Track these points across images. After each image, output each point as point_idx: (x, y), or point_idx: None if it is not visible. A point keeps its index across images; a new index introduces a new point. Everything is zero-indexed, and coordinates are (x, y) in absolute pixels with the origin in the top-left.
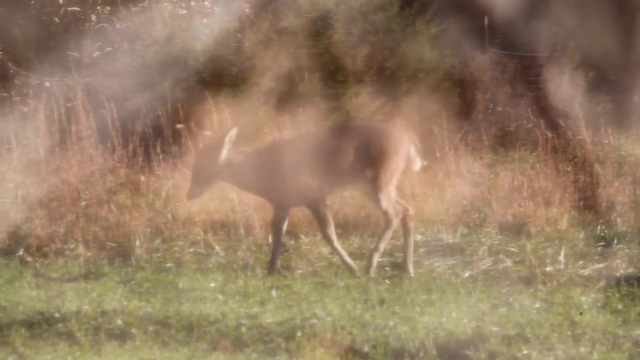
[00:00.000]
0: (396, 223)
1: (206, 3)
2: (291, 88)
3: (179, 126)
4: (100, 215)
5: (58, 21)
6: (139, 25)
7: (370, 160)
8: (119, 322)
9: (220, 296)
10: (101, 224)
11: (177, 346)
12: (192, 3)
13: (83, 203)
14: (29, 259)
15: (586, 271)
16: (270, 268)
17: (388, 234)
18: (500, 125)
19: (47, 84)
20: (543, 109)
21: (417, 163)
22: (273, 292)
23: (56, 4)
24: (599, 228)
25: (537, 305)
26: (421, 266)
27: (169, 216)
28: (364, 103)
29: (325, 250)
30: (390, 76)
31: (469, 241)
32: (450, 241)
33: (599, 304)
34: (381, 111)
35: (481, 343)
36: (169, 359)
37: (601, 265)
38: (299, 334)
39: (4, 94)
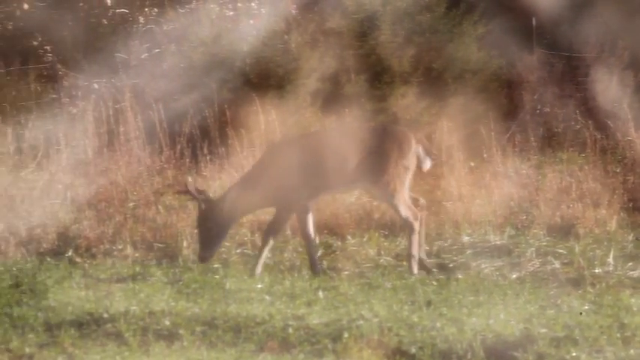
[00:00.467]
0: (417, 226)
1: (253, 4)
2: (337, 89)
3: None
4: (148, 216)
5: (106, 23)
6: (186, 26)
7: (377, 164)
8: (167, 322)
9: (267, 297)
10: (149, 225)
11: (225, 347)
12: (239, 4)
13: (131, 204)
14: (78, 259)
15: (635, 273)
16: (314, 268)
17: (415, 238)
18: (547, 126)
19: (95, 85)
20: (591, 109)
21: (427, 163)
22: (320, 293)
23: (104, 6)
24: None
25: (586, 307)
26: (468, 268)
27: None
28: (410, 104)
29: (372, 251)
30: (436, 77)
31: (517, 242)
32: (498, 242)
33: None
34: (427, 112)
35: (529, 345)
36: None
37: None
38: (346, 335)
39: (54, 96)
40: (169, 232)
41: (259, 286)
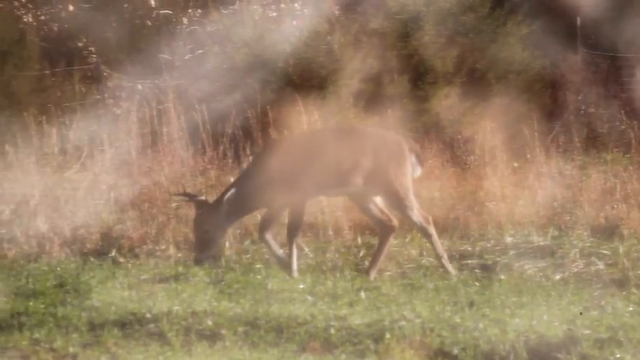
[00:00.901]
0: (432, 229)
1: (296, 5)
2: (380, 89)
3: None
4: (191, 216)
5: (150, 24)
6: (229, 27)
7: (382, 172)
8: (209, 322)
9: (309, 297)
10: (191, 225)
11: (267, 347)
12: (282, 5)
13: (174, 204)
14: (121, 260)
15: None
16: (285, 265)
17: (435, 239)
18: (591, 126)
19: (139, 86)
20: (636, 110)
21: (417, 172)
22: (362, 294)
23: (148, 7)
24: None
25: (630, 308)
26: (511, 268)
27: (258, 217)
28: (453, 104)
29: (414, 251)
30: (480, 78)
31: (560, 243)
32: (541, 243)
33: None
34: (470, 113)
35: (572, 347)
36: None
37: None
38: (388, 335)
39: (98, 97)
40: (258, 235)
41: (301, 286)
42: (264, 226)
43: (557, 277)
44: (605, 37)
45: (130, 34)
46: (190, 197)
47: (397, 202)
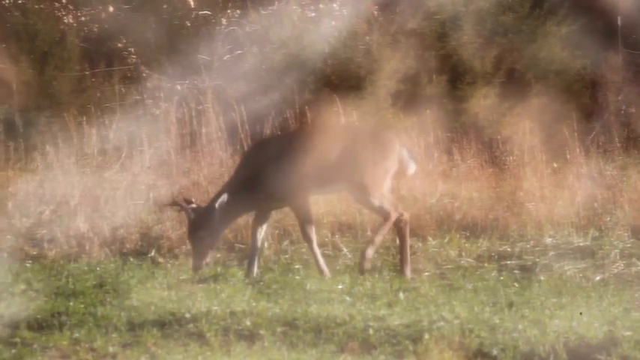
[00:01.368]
0: (394, 216)
1: (334, 5)
2: (419, 90)
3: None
4: None
5: (189, 25)
6: (268, 28)
7: (358, 164)
8: (248, 322)
9: (348, 298)
10: (232, 227)
11: (305, 348)
12: (321, 6)
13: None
14: (161, 260)
15: None
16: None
17: (385, 228)
18: (632, 127)
19: (178, 87)
20: None
21: (411, 168)
22: (401, 295)
23: (188, 8)
24: None
25: None
26: (551, 269)
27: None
28: (493, 104)
29: (453, 252)
30: (519, 78)
31: (600, 244)
32: (581, 244)
33: None
34: (509, 113)
35: (613, 348)
36: None
37: None
38: (426, 336)
39: (137, 97)
40: (250, 232)
41: (340, 286)
42: (255, 226)
43: (597, 278)
44: None
45: (169, 35)
46: (181, 206)
47: (364, 193)
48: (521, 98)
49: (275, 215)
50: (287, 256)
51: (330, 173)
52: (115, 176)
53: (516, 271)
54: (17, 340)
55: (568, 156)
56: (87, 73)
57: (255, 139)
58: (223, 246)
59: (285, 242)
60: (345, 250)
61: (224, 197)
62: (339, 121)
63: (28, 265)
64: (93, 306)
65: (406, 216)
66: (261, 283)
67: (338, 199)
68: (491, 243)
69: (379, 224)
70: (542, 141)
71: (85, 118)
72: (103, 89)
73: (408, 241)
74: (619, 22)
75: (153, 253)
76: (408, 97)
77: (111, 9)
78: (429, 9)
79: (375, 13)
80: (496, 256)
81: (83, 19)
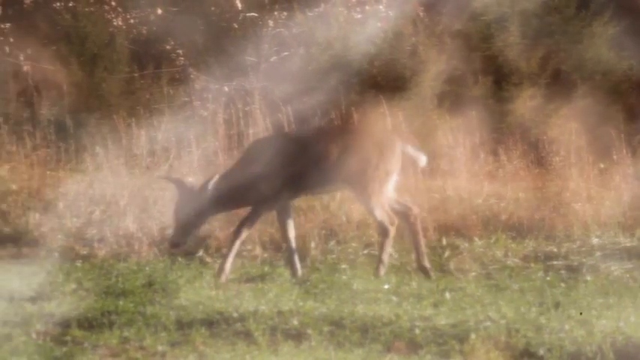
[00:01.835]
0: (392, 231)
1: (380, 7)
2: (465, 90)
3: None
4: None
5: (236, 26)
6: (314, 29)
7: (357, 166)
8: (295, 322)
9: (394, 298)
10: (277, 226)
11: (352, 347)
12: (367, 7)
13: None
14: (208, 260)
15: None
16: (294, 272)
17: (388, 242)
18: None
19: (225, 88)
20: None
21: (422, 160)
22: (447, 294)
23: (235, 9)
24: None
25: None
26: (597, 270)
27: (344, 218)
28: (539, 105)
29: (499, 252)
30: (565, 79)
31: None
32: (628, 244)
33: None
34: (555, 114)
35: None
36: None
37: None
38: (473, 336)
39: (185, 99)
40: (297, 232)
41: (386, 286)
42: (245, 226)
43: None
44: None
45: (216, 37)
46: (173, 180)
47: (366, 195)
48: (567, 99)
49: (322, 215)
50: (333, 256)
51: (327, 174)
52: None
53: (563, 272)
54: (68, 338)
55: (614, 156)
56: (136, 75)
57: (256, 137)
58: (270, 245)
59: (332, 242)
60: (391, 250)
61: (216, 178)
62: (340, 123)
63: (78, 264)
64: (142, 305)
65: (415, 210)
66: (308, 283)
67: None
68: (537, 243)
69: (380, 241)
70: (589, 141)
71: (134, 120)
72: (151, 91)
73: (421, 234)
74: None
75: (201, 253)
76: (454, 98)
77: (159, 11)
78: (475, 10)
79: (421, 14)
80: (542, 257)
81: (132, 21)
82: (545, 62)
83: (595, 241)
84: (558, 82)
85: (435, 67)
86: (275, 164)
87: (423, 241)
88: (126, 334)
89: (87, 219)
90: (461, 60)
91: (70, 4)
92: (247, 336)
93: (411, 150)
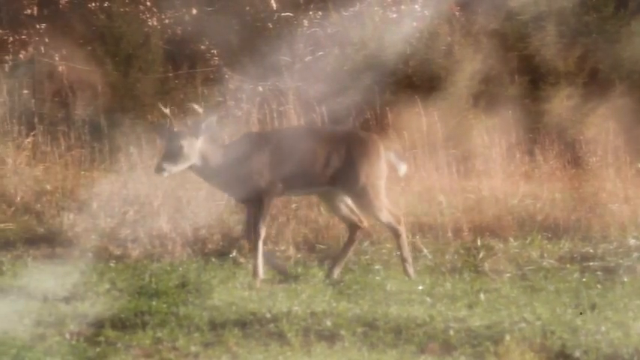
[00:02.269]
0: (402, 229)
1: (416, 7)
2: (501, 90)
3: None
4: (310, 217)
5: (271, 26)
6: (349, 29)
7: (350, 173)
8: (328, 323)
9: (428, 299)
10: (311, 226)
11: (386, 348)
12: (403, 7)
13: (294, 205)
14: (242, 260)
15: None
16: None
17: (403, 240)
18: None
19: (260, 88)
20: None
21: (402, 169)
22: (482, 296)
23: (270, 9)
24: None
25: None
26: (634, 271)
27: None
28: (576, 105)
29: (534, 253)
30: (603, 78)
31: None
32: None
33: None
34: (593, 113)
35: None
36: None
37: None
38: (507, 337)
39: (219, 99)
40: (331, 233)
41: (420, 287)
42: (248, 231)
43: None
44: None
45: (251, 37)
46: (167, 115)
47: (367, 203)
48: (604, 99)
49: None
50: (367, 256)
51: (314, 176)
52: (197, 177)
53: (599, 273)
54: (101, 339)
55: None
56: (170, 75)
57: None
58: (304, 246)
59: (366, 243)
60: (425, 251)
61: (213, 118)
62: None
63: (112, 264)
64: (175, 306)
65: (365, 224)
66: (342, 284)
67: (419, 199)
68: (573, 244)
69: (396, 243)
70: (626, 141)
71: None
72: (185, 91)
73: (353, 248)
74: None
75: (234, 254)
76: (490, 97)
77: (194, 11)
78: (512, 9)
79: (457, 13)
80: (578, 258)
81: (167, 21)
82: (582, 61)
83: (632, 242)
84: (595, 81)
85: (471, 66)
86: (260, 161)
87: (349, 255)
88: (159, 334)
89: (121, 219)
90: (497, 59)
91: (105, 5)
92: (280, 337)
93: (393, 158)
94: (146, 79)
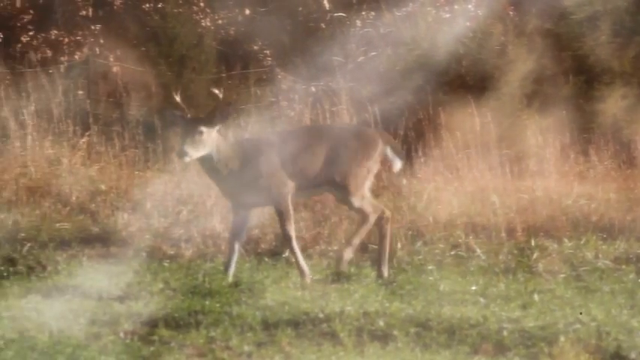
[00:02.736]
0: (373, 219)
1: (469, 6)
2: (555, 90)
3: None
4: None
5: (324, 27)
6: (402, 29)
7: (340, 163)
8: (381, 323)
9: (481, 299)
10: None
11: (439, 349)
12: (456, 6)
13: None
14: (294, 260)
15: None
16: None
17: (364, 229)
18: None
19: (313, 88)
20: None
21: (397, 164)
22: (536, 296)
23: (323, 10)
24: None
25: None
26: None
27: (430, 219)
28: (631, 105)
29: (589, 254)
30: None
31: None
32: None
33: None
34: None
35: None
36: None
37: None
38: (562, 338)
39: (272, 99)
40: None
41: (473, 288)
42: (234, 234)
43: None
44: None
45: (303, 37)
46: (180, 106)
47: (347, 192)
48: None
49: (409, 216)
50: (420, 257)
51: (313, 174)
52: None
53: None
54: (155, 338)
55: None
56: (223, 75)
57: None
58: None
59: (419, 243)
60: (478, 251)
61: (228, 108)
62: (322, 121)
63: (165, 264)
64: (228, 305)
65: (388, 213)
66: (395, 284)
67: (473, 200)
68: (629, 245)
69: (357, 225)
70: None
71: None
72: (238, 91)
73: (388, 240)
74: None
75: (287, 254)
76: (544, 97)
77: (247, 12)
78: (566, 9)
79: (511, 13)
80: (634, 258)
81: (220, 22)
82: (637, 61)
83: None
84: None
85: (525, 66)
86: (269, 162)
87: (388, 247)
88: (212, 334)
89: (174, 219)
90: (551, 59)
91: (159, 5)
92: (333, 337)
93: (389, 153)
94: (199, 80)
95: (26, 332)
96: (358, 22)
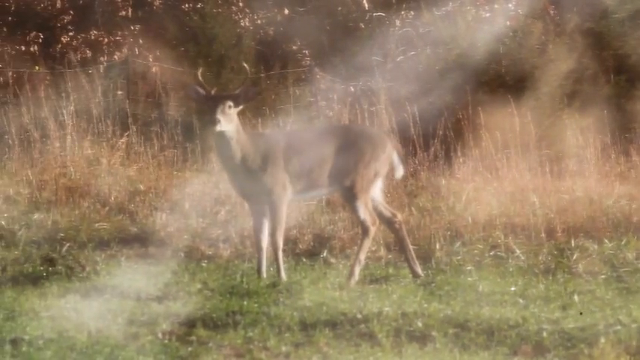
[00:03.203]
0: (373, 231)
1: (510, 5)
2: (596, 90)
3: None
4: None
5: (363, 26)
6: (441, 28)
7: (348, 164)
8: (419, 324)
9: (521, 300)
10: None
11: (477, 350)
12: (496, 6)
13: None
14: (332, 260)
15: None
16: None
17: (367, 243)
18: None
19: (351, 88)
20: None
21: (400, 171)
22: (576, 297)
23: (362, 9)
24: None
25: None
26: None
27: (469, 219)
28: None
29: (630, 255)
30: None
31: None
32: None
33: None
34: None
35: None
36: None
37: None
38: (602, 340)
39: (311, 99)
40: (422, 233)
41: (513, 288)
42: (257, 233)
43: None
44: None
45: (342, 37)
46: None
47: (353, 193)
48: None
49: (447, 217)
50: (459, 257)
51: (319, 173)
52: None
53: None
54: (193, 338)
55: None
56: (262, 75)
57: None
58: (394, 247)
59: (457, 244)
60: (518, 251)
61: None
62: (334, 122)
63: (203, 264)
64: (266, 305)
65: (399, 217)
66: (433, 285)
67: (512, 200)
68: None
69: (360, 241)
70: None
71: (260, 120)
72: (277, 91)
73: (408, 240)
74: None
75: (325, 254)
76: (584, 97)
77: (286, 12)
78: (607, 7)
79: (551, 12)
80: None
81: (259, 22)
82: None
83: None
84: None
85: (565, 65)
86: (274, 160)
87: (410, 246)
88: (250, 334)
89: (212, 219)
90: (591, 58)
91: (198, 6)
92: (371, 337)
93: (395, 159)
94: (238, 80)
95: (65, 332)
96: (397, 22)
